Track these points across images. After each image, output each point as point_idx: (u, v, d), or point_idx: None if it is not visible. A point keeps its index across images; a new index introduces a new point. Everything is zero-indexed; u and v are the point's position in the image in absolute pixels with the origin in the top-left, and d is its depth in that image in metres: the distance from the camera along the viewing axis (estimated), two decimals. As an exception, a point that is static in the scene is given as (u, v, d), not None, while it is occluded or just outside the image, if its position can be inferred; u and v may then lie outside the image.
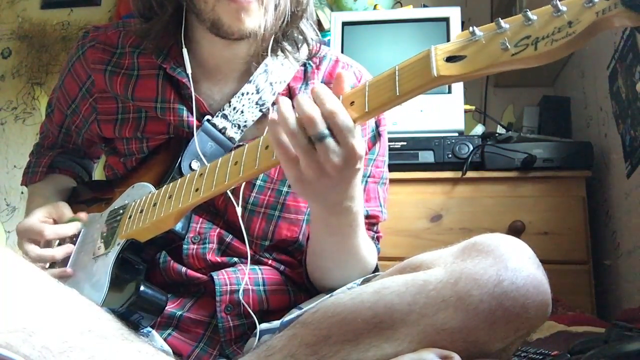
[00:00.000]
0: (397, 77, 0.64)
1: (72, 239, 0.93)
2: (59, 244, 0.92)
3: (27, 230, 0.91)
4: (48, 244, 0.91)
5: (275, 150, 0.68)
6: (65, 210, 0.95)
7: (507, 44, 0.57)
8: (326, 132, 0.65)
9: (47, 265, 0.90)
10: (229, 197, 0.88)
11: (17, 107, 2.62)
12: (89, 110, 0.99)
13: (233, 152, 0.76)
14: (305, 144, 0.65)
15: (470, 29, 0.61)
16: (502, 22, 0.59)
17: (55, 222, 0.94)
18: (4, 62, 2.67)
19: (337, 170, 0.66)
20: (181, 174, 0.88)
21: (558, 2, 0.56)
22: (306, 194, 0.73)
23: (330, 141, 0.65)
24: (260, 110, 0.91)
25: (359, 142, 0.66)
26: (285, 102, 0.66)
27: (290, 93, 0.95)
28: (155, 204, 0.83)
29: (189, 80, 0.90)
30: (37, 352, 0.53)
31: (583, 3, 0.54)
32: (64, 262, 0.91)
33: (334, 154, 0.65)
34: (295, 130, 0.65)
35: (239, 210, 0.87)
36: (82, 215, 0.94)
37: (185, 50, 0.90)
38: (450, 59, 0.61)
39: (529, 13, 0.57)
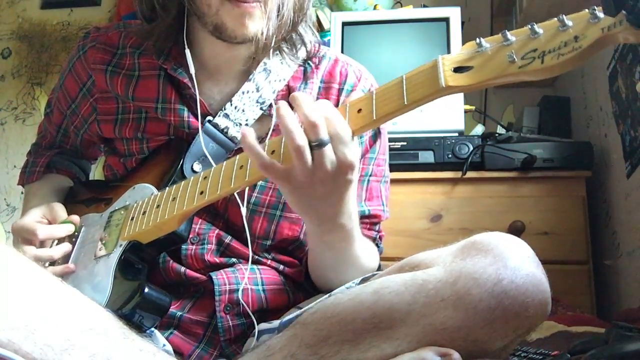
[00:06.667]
0: (404, 86, 0.65)
1: (71, 239, 0.93)
2: (58, 244, 0.92)
3: (21, 230, 0.91)
4: (42, 244, 0.91)
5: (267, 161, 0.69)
6: (60, 211, 0.95)
7: (514, 56, 0.58)
8: (327, 138, 0.66)
9: (47, 264, 0.90)
10: (229, 198, 0.88)
11: (17, 107, 2.62)
12: (89, 110, 0.99)
13: (238, 156, 0.77)
14: (304, 149, 0.66)
15: (477, 40, 0.62)
16: (509, 34, 0.60)
17: (50, 223, 0.94)
18: (4, 62, 2.67)
19: (329, 178, 0.67)
20: (183, 176, 0.88)
21: (564, 16, 0.56)
22: (300, 206, 0.74)
23: (328, 148, 0.66)
24: (261, 109, 0.92)
25: (354, 153, 0.68)
26: (285, 107, 0.67)
27: (289, 92, 0.95)
28: (158, 206, 0.83)
29: (190, 80, 0.90)
30: (39, 349, 0.53)
31: (588, 19, 0.55)
32: (64, 261, 0.90)
33: (328, 161, 0.66)
34: (297, 137, 0.66)
35: (243, 210, 0.87)
36: (75, 218, 0.94)
37: (188, 51, 0.90)
38: (457, 70, 0.62)
39: (535, 26, 0.58)
